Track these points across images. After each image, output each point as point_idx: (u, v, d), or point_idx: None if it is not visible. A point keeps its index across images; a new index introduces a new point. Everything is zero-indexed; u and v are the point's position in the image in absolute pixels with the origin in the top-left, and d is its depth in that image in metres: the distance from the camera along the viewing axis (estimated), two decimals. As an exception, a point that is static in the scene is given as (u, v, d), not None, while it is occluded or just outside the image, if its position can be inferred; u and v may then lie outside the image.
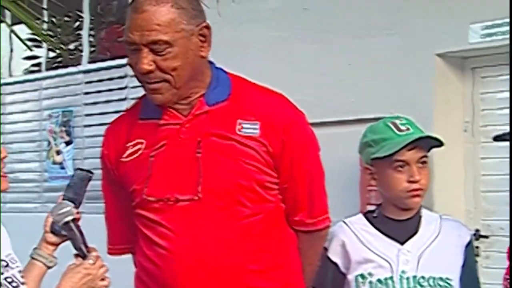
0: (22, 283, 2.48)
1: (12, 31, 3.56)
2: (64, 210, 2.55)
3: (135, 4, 2.60)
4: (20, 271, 2.50)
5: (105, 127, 2.87)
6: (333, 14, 5.19)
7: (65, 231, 2.56)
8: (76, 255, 2.57)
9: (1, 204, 7.31)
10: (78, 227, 2.57)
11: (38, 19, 3.56)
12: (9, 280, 2.44)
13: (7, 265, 2.47)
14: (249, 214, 2.63)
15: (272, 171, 2.66)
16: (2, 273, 2.43)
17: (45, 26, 3.45)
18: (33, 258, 2.60)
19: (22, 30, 4.49)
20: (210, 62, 2.75)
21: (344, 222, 3.03)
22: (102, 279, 2.57)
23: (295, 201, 2.73)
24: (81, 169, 2.68)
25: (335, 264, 2.98)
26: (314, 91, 4.92)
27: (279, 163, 2.66)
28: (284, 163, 2.67)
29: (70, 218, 2.55)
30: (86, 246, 2.57)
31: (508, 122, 4.32)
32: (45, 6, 5.26)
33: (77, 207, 2.61)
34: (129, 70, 6.54)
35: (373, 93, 4.97)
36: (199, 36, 2.62)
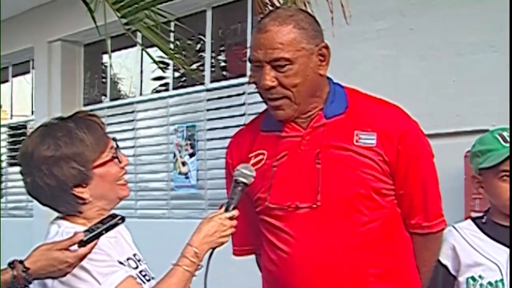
0: (153, 277, 2.52)
1: (147, 53, 3.61)
2: (247, 172, 2.57)
3: (260, 25, 2.62)
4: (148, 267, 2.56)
5: (225, 140, 2.88)
6: (437, 33, 5.14)
7: (234, 184, 2.58)
8: (221, 206, 2.57)
9: (133, 211, 7.40)
10: (243, 191, 2.57)
11: (168, 42, 3.61)
12: (143, 273, 2.49)
13: (140, 260, 2.53)
14: (367, 221, 2.60)
15: (388, 179, 2.63)
16: (137, 267, 2.48)
17: (171, 46, 3.51)
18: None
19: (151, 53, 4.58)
20: (328, 78, 2.73)
21: (454, 227, 2.98)
22: (225, 236, 2.54)
23: (410, 206, 2.69)
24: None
25: (445, 266, 2.93)
26: (420, 105, 4.85)
27: (394, 171, 2.63)
28: (400, 171, 2.63)
29: (245, 180, 2.56)
30: (235, 207, 2.55)
31: None
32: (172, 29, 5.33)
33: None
34: (247, 88, 6.65)
35: (476, 107, 4.88)
36: (319, 55, 2.62)
